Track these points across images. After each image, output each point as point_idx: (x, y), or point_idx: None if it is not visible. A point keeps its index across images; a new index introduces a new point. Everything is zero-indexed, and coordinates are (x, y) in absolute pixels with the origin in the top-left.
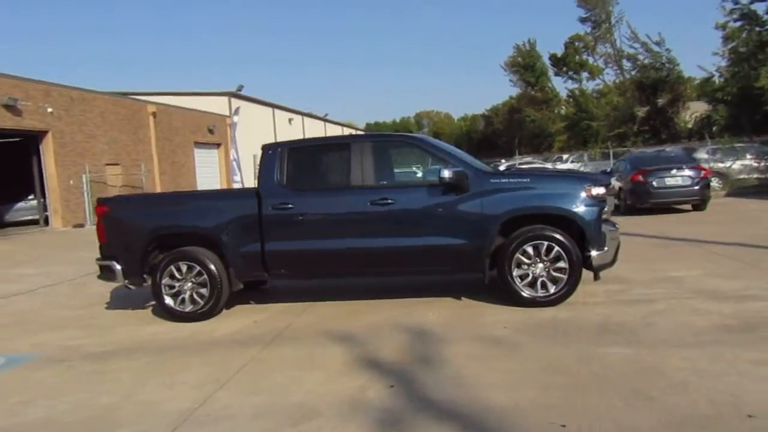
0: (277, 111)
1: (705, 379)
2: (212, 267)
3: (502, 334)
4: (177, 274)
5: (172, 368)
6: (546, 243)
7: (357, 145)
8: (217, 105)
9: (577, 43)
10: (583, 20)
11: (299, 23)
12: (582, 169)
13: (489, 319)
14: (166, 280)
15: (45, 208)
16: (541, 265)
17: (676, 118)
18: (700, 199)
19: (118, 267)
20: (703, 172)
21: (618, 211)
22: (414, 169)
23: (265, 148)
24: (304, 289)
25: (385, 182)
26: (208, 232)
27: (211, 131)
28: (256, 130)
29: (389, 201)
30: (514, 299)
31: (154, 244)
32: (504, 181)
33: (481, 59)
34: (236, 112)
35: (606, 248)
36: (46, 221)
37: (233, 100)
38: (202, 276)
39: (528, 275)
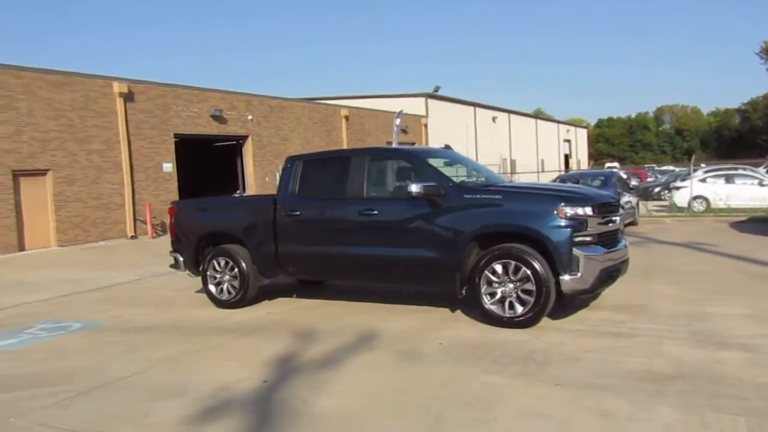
0: (478, 110)
1: (536, 420)
2: (242, 263)
3: (425, 350)
4: (218, 267)
5: (159, 344)
6: (514, 262)
7: (355, 158)
8: (414, 106)
9: None
10: None
11: (506, 17)
12: None
13: (441, 333)
14: (210, 272)
15: None
16: (511, 285)
17: None
18: None
19: (181, 258)
20: None
21: None
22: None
23: (286, 160)
24: (344, 289)
25: (374, 194)
26: (237, 233)
27: (404, 131)
28: (454, 129)
29: (374, 212)
30: (484, 317)
31: (204, 241)
32: (477, 197)
33: (734, 45)
34: (398, 115)
35: (579, 273)
36: None
37: (429, 101)
38: (234, 270)
39: (497, 293)
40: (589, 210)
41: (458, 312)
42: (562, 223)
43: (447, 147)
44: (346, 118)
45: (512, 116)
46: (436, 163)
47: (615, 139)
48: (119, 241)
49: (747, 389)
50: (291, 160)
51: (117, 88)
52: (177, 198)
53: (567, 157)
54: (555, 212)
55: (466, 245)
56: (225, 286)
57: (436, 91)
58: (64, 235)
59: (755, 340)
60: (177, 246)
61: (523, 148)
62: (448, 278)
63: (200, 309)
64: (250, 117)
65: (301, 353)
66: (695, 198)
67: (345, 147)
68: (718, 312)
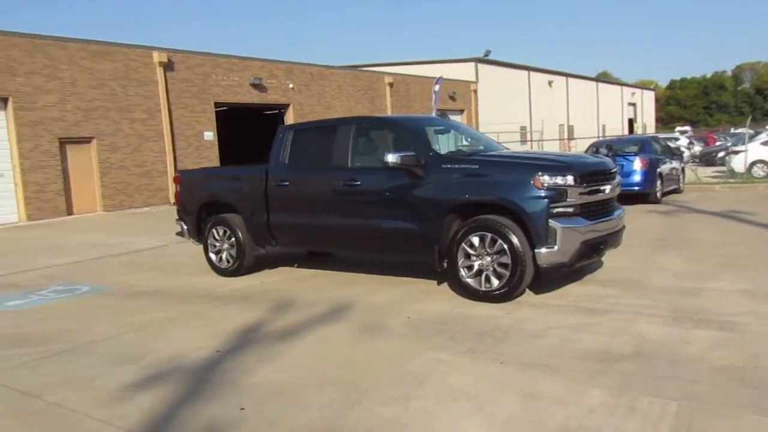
0: (532, 74)
1: (457, 401)
2: (239, 233)
3: (390, 323)
4: (217, 236)
5: (148, 309)
6: (490, 235)
7: (341, 128)
8: (463, 71)
9: None
10: None
11: None
12: None
13: (415, 306)
14: (210, 240)
15: None
16: (488, 258)
17: None
18: None
19: (186, 226)
20: None
21: None
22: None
23: (278, 130)
24: (347, 260)
25: (358, 164)
26: (234, 203)
27: (452, 98)
28: (507, 95)
29: (357, 182)
30: (462, 290)
31: (205, 210)
32: (455, 167)
33: None
34: (437, 81)
35: (556, 246)
36: None
37: (479, 65)
38: (232, 239)
39: (474, 266)
40: (570, 179)
41: (444, 285)
42: (539, 193)
43: (442, 114)
44: (391, 84)
45: (570, 80)
46: (427, 132)
47: (688, 101)
48: (162, 207)
49: (701, 372)
50: (282, 130)
51: (157, 57)
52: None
53: (631, 122)
54: (531, 182)
55: (443, 217)
56: (224, 255)
57: (487, 55)
58: (110, 201)
59: (739, 318)
60: (182, 214)
61: (582, 113)
62: (428, 250)
63: (202, 276)
64: (291, 85)
65: (269, 323)
66: (756, 163)
67: (389, 114)
68: (716, 287)
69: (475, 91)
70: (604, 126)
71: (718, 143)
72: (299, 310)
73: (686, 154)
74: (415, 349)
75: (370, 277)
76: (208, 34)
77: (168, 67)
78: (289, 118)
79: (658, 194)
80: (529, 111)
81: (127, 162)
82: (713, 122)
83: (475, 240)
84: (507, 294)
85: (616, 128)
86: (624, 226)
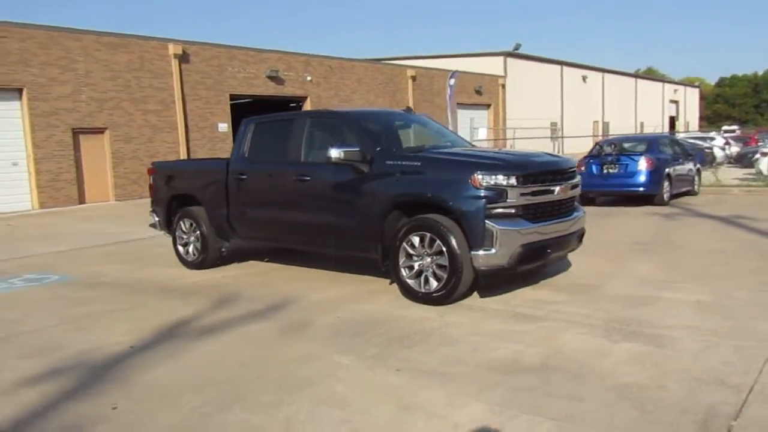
0: (566, 69)
1: (329, 409)
2: (203, 226)
3: (316, 323)
4: (184, 228)
5: (98, 300)
6: (429, 235)
7: (297, 121)
8: (491, 66)
9: None
10: None
11: None
12: None
13: (353, 306)
14: (178, 233)
15: None
16: (428, 259)
17: None
18: None
19: (157, 218)
20: None
21: None
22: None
23: (241, 122)
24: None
25: (310, 159)
26: (198, 196)
27: (478, 92)
28: (537, 90)
29: (307, 178)
30: (403, 291)
31: (174, 202)
32: (398, 164)
33: None
34: (453, 75)
35: (494, 249)
36: None
37: (509, 60)
38: (197, 232)
39: (414, 267)
40: (513, 180)
41: (395, 285)
42: (476, 193)
43: (408, 109)
44: (413, 78)
45: (606, 75)
46: (382, 127)
47: (737, 100)
48: None
49: (596, 390)
50: (245, 122)
51: (172, 49)
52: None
53: (672, 120)
54: (469, 181)
55: (386, 214)
56: (191, 248)
57: (517, 49)
58: (122, 190)
59: (674, 332)
60: (155, 206)
61: (618, 109)
62: (373, 248)
63: (171, 269)
64: (309, 78)
65: (200, 319)
66: None
67: (411, 102)
68: (672, 297)
69: (503, 86)
70: (642, 123)
71: (759, 144)
72: (238, 307)
73: (720, 155)
74: (322, 352)
75: (328, 274)
76: (225, 29)
77: (183, 59)
78: None
79: (665, 196)
80: (561, 107)
81: (140, 152)
82: (763, 121)
83: (416, 240)
84: (445, 297)
85: (656, 125)
86: (582, 229)
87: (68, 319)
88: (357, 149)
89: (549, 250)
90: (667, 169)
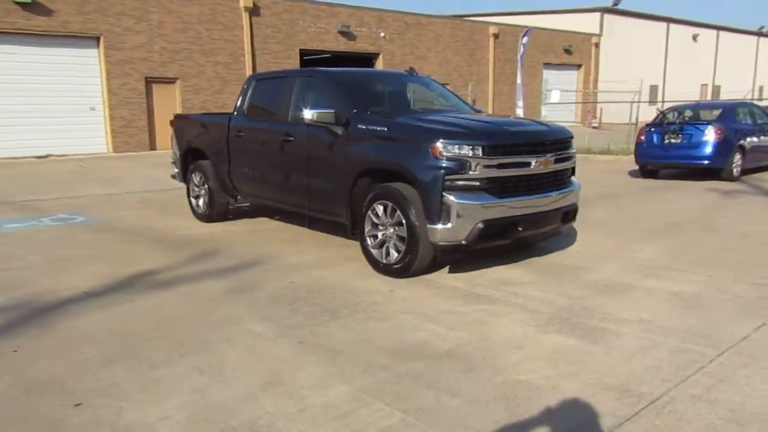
0: (672, 26)
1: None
2: (210, 180)
3: (266, 287)
4: (195, 182)
5: (95, 244)
6: (390, 204)
7: (289, 79)
8: (585, 23)
9: None
10: None
11: None
12: None
13: (314, 272)
14: (191, 185)
15: None
16: (392, 229)
17: None
18: None
19: (176, 169)
20: None
21: None
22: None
23: (246, 79)
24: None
25: (297, 119)
26: (205, 150)
27: (568, 51)
28: (638, 50)
29: (291, 138)
30: (367, 259)
31: (189, 155)
32: (369, 128)
33: None
34: (525, 33)
35: (450, 223)
36: None
37: (606, 16)
38: (206, 186)
39: (378, 236)
40: (478, 150)
41: None
42: (436, 162)
43: (411, 70)
44: (495, 36)
45: (721, 33)
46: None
47: None
48: None
49: (479, 385)
50: (248, 80)
51: (243, 2)
52: None
53: None
54: (429, 149)
55: (355, 180)
56: (201, 201)
57: (616, 4)
58: None
59: (624, 327)
60: (173, 157)
61: (732, 72)
62: (340, 213)
63: (186, 219)
64: (382, 34)
65: (165, 272)
66: None
67: (491, 67)
68: (652, 286)
69: (597, 45)
70: (761, 87)
71: None
72: (210, 262)
73: None
74: (244, 317)
75: (324, 237)
76: None
77: (254, 12)
78: (379, 68)
79: (735, 170)
80: (664, 69)
81: (209, 103)
82: None
83: (380, 209)
84: (403, 269)
85: None
86: (571, 206)
87: (54, 260)
88: (331, 111)
89: (520, 228)
90: (740, 141)
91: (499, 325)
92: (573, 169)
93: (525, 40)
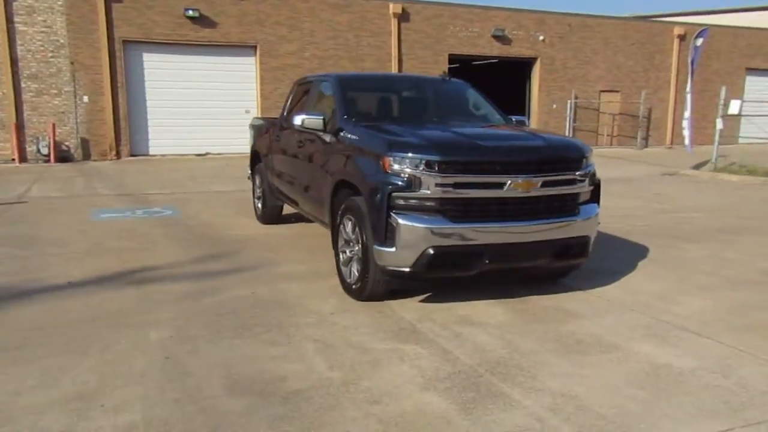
0: None
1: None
2: (264, 182)
3: (224, 295)
4: (257, 183)
5: (143, 236)
6: (353, 220)
7: (315, 84)
8: None
9: None
10: None
11: None
12: None
13: (290, 285)
14: (254, 187)
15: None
16: (357, 246)
17: None
18: None
19: (250, 171)
20: None
21: None
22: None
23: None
24: None
25: None
26: (259, 152)
27: None
28: None
29: (302, 144)
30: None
31: (254, 158)
32: (348, 136)
33: None
34: (701, 34)
35: (394, 247)
36: None
37: None
38: (261, 188)
39: (346, 253)
40: (432, 165)
41: None
42: (384, 178)
43: (444, 74)
44: (681, 37)
45: None
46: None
47: None
48: None
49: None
50: (295, 83)
51: (392, 8)
52: None
53: None
54: (381, 162)
55: (336, 191)
56: (259, 203)
57: None
58: None
59: (531, 399)
60: (250, 160)
61: None
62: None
63: (249, 219)
64: (541, 37)
65: (160, 270)
66: None
67: (674, 73)
68: (638, 352)
69: None
70: None
71: None
72: (211, 263)
73: None
74: (158, 323)
75: None
76: None
77: (403, 17)
78: (535, 74)
79: None
80: None
81: None
82: None
83: (348, 224)
84: (359, 292)
85: None
86: (573, 240)
87: (90, 249)
88: (319, 117)
89: (486, 260)
90: None
91: (390, 372)
92: (593, 194)
93: (699, 41)
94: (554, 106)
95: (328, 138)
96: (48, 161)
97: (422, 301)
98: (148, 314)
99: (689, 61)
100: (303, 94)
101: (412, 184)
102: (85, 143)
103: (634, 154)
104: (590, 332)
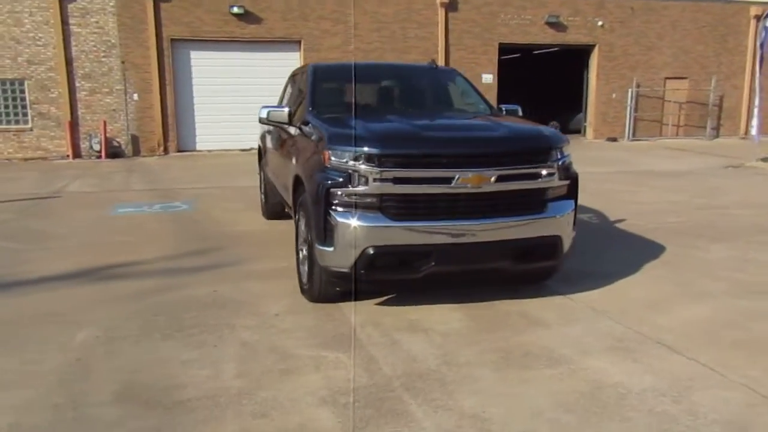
0: None
1: None
2: (264, 177)
3: (184, 292)
4: (262, 178)
5: (148, 229)
6: (305, 217)
7: (300, 76)
8: None
9: None
10: None
11: None
12: None
13: (258, 285)
14: (260, 182)
15: (585, 119)
16: (306, 245)
17: None
18: None
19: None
20: None
21: None
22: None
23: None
24: None
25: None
26: (261, 146)
27: None
28: None
29: (279, 138)
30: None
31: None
32: (306, 129)
33: None
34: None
35: (333, 247)
36: (585, 132)
37: None
38: (263, 184)
39: (303, 251)
40: (370, 159)
41: None
42: (323, 173)
43: (432, 62)
44: (757, 18)
45: None
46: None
47: None
48: None
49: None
50: (290, 75)
51: None
52: None
53: None
54: (322, 156)
55: (293, 188)
56: (263, 198)
57: None
58: None
59: (423, 413)
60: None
61: None
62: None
63: (255, 214)
64: (600, 23)
65: (142, 265)
66: None
67: (749, 57)
68: (587, 368)
69: None
70: None
71: None
72: (193, 259)
73: None
74: (96, 321)
75: None
76: None
77: (450, 7)
78: (593, 62)
79: None
80: None
81: None
82: None
83: (302, 222)
84: (311, 291)
85: None
86: (537, 240)
87: (89, 243)
88: (283, 110)
89: (433, 262)
90: None
91: (296, 382)
92: (569, 189)
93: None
94: (614, 95)
95: (292, 131)
96: (99, 157)
97: (380, 303)
98: (92, 312)
99: (758, 44)
100: (293, 85)
101: (351, 179)
102: (135, 140)
103: (702, 145)
104: (544, 344)
